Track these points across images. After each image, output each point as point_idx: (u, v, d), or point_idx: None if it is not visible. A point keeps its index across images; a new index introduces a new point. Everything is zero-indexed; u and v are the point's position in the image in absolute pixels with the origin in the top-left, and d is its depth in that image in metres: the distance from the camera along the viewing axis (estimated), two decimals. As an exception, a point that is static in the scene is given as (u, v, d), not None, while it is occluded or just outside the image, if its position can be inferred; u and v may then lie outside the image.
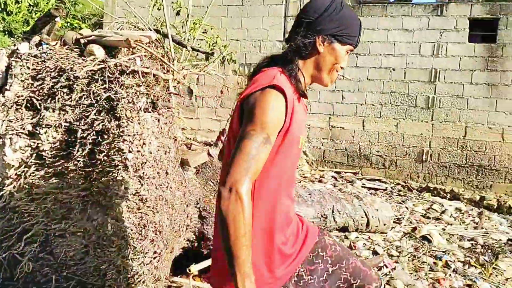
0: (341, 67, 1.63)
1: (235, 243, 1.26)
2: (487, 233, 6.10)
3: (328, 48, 1.56)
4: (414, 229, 5.55)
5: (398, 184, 8.05)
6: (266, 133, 1.36)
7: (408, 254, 4.77)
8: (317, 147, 8.81)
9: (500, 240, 5.94)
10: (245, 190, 1.29)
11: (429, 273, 4.37)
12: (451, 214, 6.61)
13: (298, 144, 1.52)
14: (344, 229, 4.64)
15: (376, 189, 7.56)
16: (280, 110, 1.41)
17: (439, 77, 7.99)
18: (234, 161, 1.33)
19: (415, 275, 4.32)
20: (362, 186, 7.56)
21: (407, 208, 6.59)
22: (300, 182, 7.24)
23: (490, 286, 4.43)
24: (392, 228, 5.48)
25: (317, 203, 4.48)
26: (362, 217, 4.65)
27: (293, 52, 1.56)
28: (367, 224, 4.69)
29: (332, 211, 4.48)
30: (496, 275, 4.79)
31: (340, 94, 8.61)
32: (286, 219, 1.55)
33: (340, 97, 8.62)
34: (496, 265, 5.02)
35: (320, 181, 7.53)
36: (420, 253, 4.82)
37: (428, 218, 6.31)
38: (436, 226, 5.90)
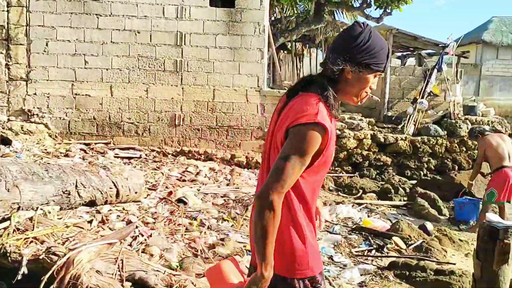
0: (370, 88, 1.87)
1: (267, 242, 1.66)
2: (238, 188, 6.65)
3: (356, 76, 1.79)
4: (170, 193, 5.59)
5: (153, 150, 8.03)
6: (304, 159, 1.69)
7: (164, 219, 4.75)
8: (60, 118, 8.00)
9: (249, 193, 6.56)
10: (279, 204, 1.67)
11: (185, 234, 4.44)
12: (206, 175, 6.97)
13: (330, 161, 1.85)
14: (92, 203, 4.28)
15: (130, 158, 7.36)
16: (319, 140, 1.71)
17: (185, 40, 8.18)
18: (273, 177, 1.67)
19: (172, 239, 4.33)
20: (115, 156, 7.25)
21: (162, 173, 6.62)
22: (42, 158, 6.43)
23: (241, 236, 4.81)
24: (148, 195, 5.39)
25: (57, 178, 3.98)
26: (110, 188, 4.38)
27: (326, 78, 1.80)
28: (117, 195, 4.44)
29: (76, 186, 4.06)
30: (247, 226, 5.24)
31: (82, 58, 7.95)
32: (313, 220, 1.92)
33: (82, 61, 7.96)
34: (246, 216, 5.50)
35: (66, 155, 6.86)
36: (176, 216, 4.87)
37: (184, 181, 6.48)
38: (191, 187, 6.10)
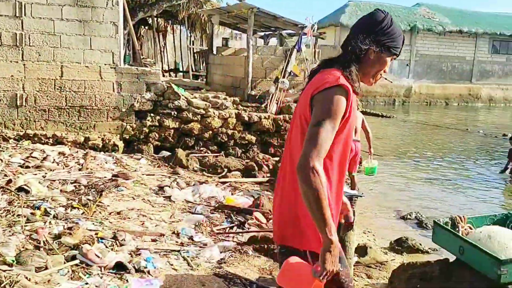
0: (384, 71, 2.08)
1: (322, 206, 1.74)
2: (91, 173, 6.27)
3: (377, 57, 1.99)
4: (9, 182, 5.05)
5: (-10, 135, 7.18)
6: (333, 122, 1.81)
7: (0, 210, 4.27)
8: None
9: (105, 177, 6.23)
10: (321, 168, 1.77)
11: (25, 225, 4.05)
12: (54, 160, 6.44)
13: (352, 132, 2.01)
14: None
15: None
16: (344, 103, 1.85)
17: (25, 11, 7.39)
18: (310, 145, 1.78)
19: (10, 231, 3.92)
20: None
21: (1, 160, 5.95)
22: None
23: (93, 223, 4.55)
24: (-20, 186, 4.80)
25: None
26: None
27: (350, 57, 1.96)
28: None
29: None
30: (100, 212, 4.97)
31: None
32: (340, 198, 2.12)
33: None
34: (100, 202, 5.21)
35: None
36: (15, 206, 4.41)
37: (28, 167, 5.91)
38: (35, 174, 5.58)
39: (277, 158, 8.95)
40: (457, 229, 3.71)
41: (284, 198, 2.06)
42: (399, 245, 5.53)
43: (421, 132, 17.70)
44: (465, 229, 3.73)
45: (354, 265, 4.54)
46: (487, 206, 7.63)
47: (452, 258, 3.69)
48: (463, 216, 3.85)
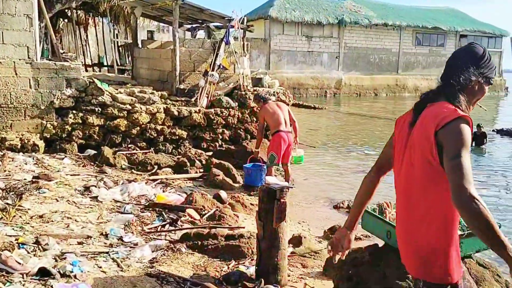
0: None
1: (495, 230, 1.73)
2: (10, 175, 5.94)
3: (480, 87, 2.09)
4: None
5: None
6: (468, 151, 1.87)
7: None
8: None
9: (25, 179, 5.92)
10: (477, 194, 1.76)
11: None
12: (-36, 163, 6.02)
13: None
14: None
15: None
16: (470, 133, 1.91)
17: None
18: (459, 177, 1.79)
19: None
20: None
21: None
22: None
23: (13, 229, 4.31)
24: None
25: None
26: None
27: (457, 88, 2.05)
28: None
29: None
30: (20, 216, 4.72)
31: None
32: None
33: None
34: (20, 205, 4.95)
35: None
36: None
37: None
38: None
39: (210, 153, 8.94)
40: (384, 214, 3.88)
41: (411, 224, 2.10)
42: (333, 233, 5.69)
43: (352, 123, 18.38)
44: (392, 214, 3.90)
45: (289, 256, 4.64)
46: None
47: (381, 243, 3.86)
48: (390, 202, 4.03)
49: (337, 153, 11.46)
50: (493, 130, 16.53)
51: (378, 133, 15.65)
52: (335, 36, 31.31)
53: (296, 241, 5.03)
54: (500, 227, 1.89)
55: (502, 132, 15.89)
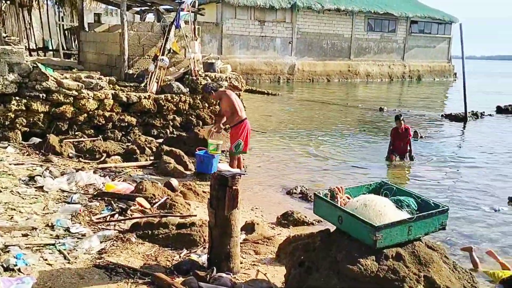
0: None
1: None
2: None
3: None
4: None
5: None
6: None
7: None
8: None
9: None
10: None
11: None
12: None
13: None
14: None
15: None
16: None
17: None
18: None
19: None
20: None
21: None
22: None
23: None
24: None
25: None
26: None
27: None
28: None
29: None
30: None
31: None
32: None
33: None
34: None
35: None
36: None
37: None
38: None
39: (160, 140, 8.81)
40: (336, 200, 3.96)
41: None
42: (285, 219, 5.79)
43: (305, 108, 18.59)
44: (343, 199, 3.98)
45: (241, 243, 4.67)
46: (371, 176, 8.26)
47: (333, 228, 3.95)
48: (341, 187, 4.10)
49: (290, 139, 11.57)
50: (441, 115, 17.17)
51: (331, 118, 15.92)
52: (288, 21, 31.41)
53: (249, 227, 5.07)
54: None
55: (450, 117, 16.52)
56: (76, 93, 8.38)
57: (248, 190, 7.15)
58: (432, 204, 3.76)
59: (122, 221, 4.82)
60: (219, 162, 7.24)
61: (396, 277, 3.26)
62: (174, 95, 9.42)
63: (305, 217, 5.85)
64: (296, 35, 31.83)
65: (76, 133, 8.41)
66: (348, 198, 4.07)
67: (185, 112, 9.54)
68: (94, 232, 4.45)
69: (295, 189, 7.18)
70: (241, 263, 4.22)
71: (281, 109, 18.20)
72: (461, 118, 16.03)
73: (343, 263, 3.43)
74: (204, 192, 6.25)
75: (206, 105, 9.80)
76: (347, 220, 3.58)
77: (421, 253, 3.51)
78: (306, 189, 7.15)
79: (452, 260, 3.71)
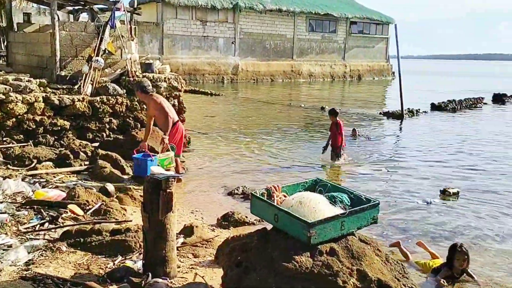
0: None
1: None
2: None
3: None
4: None
5: None
6: None
7: None
8: None
9: None
10: None
11: None
12: None
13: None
14: None
15: None
16: None
17: None
18: None
19: None
20: None
21: None
22: None
23: None
24: None
25: None
26: None
27: None
28: None
29: None
30: None
31: None
32: None
33: None
34: None
35: None
36: None
37: None
38: None
39: (96, 144, 8.56)
40: (272, 198, 3.99)
41: None
42: (226, 221, 5.77)
43: (249, 109, 18.68)
44: (280, 198, 4.02)
45: (179, 247, 4.62)
46: (312, 174, 8.38)
47: (270, 227, 3.98)
48: (278, 186, 4.14)
49: (234, 139, 11.58)
50: (380, 113, 17.77)
51: (274, 118, 16.07)
52: (231, 21, 31.47)
53: (188, 231, 5.01)
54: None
55: (388, 114, 17.12)
56: (3, 97, 8.00)
57: (189, 192, 7.08)
58: (364, 199, 3.86)
59: (53, 230, 4.63)
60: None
61: (330, 272, 3.32)
62: (110, 97, 9.17)
63: (246, 217, 5.86)
64: (239, 35, 31.94)
65: (4, 139, 8.02)
66: (285, 196, 4.10)
67: (122, 114, 9.31)
68: (21, 243, 4.24)
69: (237, 189, 7.18)
70: (179, 267, 4.17)
71: (225, 110, 18.19)
72: (398, 116, 16.66)
73: (278, 261, 3.45)
74: (141, 196, 6.11)
75: (144, 106, 9.60)
76: (283, 218, 3.61)
77: (354, 247, 3.60)
78: (247, 189, 7.17)
79: (384, 253, 3.83)
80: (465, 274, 4.46)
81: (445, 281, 4.33)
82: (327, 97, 24.81)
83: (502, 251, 5.26)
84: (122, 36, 10.01)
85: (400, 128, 14.99)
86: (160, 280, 3.71)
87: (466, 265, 4.38)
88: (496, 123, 17.02)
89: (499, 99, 24.01)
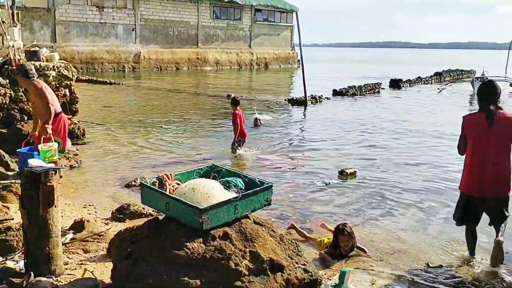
0: None
1: None
2: None
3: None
4: None
5: None
6: None
7: None
8: None
9: None
10: None
11: None
12: None
13: None
14: None
15: None
16: None
17: None
18: None
19: None
20: None
21: None
22: None
23: None
24: None
25: None
26: None
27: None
28: None
29: None
30: None
31: None
32: None
33: None
34: None
35: None
36: None
37: None
38: None
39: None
40: (164, 187, 3.95)
41: (497, 171, 4.22)
42: (121, 213, 5.62)
43: (151, 98, 18.31)
44: (172, 186, 3.99)
45: (68, 243, 4.43)
46: (214, 162, 8.36)
47: (162, 216, 3.94)
48: (170, 174, 4.11)
49: (133, 130, 11.29)
50: (285, 100, 18.25)
51: (178, 107, 15.89)
52: (130, 7, 30.51)
53: (78, 226, 4.83)
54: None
55: (292, 101, 17.62)
56: None
57: (82, 186, 6.81)
58: (258, 182, 3.95)
59: None
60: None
61: (223, 255, 3.37)
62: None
63: (143, 209, 5.74)
64: (140, 22, 31.08)
65: None
66: (178, 185, 4.08)
67: (5, 106, 8.67)
68: None
69: (135, 181, 7.01)
70: (66, 264, 4.01)
71: (125, 100, 17.66)
72: (302, 102, 17.22)
73: (170, 249, 3.43)
74: (26, 192, 5.77)
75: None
76: (174, 206, 3.60)
77: (247, 229, 3.68)
78: (146, 180, 7.00)
79: (279, 233, 3.96)
80: (356, 249, 4.73)
81: (329, 256, 4.56)
82: (234, 85, 24.99)
83: (394, 225, 5.65)
84: (3, 22, 9.30)
85: (304, 115, 15.50)
86: (44, 279, 3.54)
87: (352, 244, 4.64)
88: (393, 107, 18.18)
89: (395, 84, 25.69)
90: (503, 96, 20.06)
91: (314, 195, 6.72)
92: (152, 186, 3.92)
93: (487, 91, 4.30)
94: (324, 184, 7.21)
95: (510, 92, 22.18)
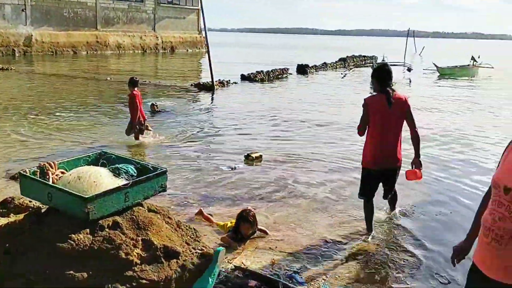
0: None
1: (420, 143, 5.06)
2: None
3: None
4: None
5: None
6: None
7: None
8: None
9: None
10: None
11: None
12: None
13: None
14: None
15: None
16: None
17: None
18: (414, 122, 4.79)
19: None
20: None
21: None
22: None
23: None
24: None
25: None
26: None
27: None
28: None
29: None
30: None
31: None
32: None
33: None
34: None
35: None
36: None
37: None
38: None
39: None
40: (47, 176, 3.73)
41: (394, 146, 4.74)
42: (5, 207, 5.27)
43: (44, 84, 17.34)
44: (56, 175, 3.78)
45: None
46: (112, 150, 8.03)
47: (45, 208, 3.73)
48: (53, 162, 3.90)
49: (21, 119, 10.58)
50: (191, 85, 18.06)
51: (74, 93, 15.15)
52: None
53: (-49, 224, 4.41)
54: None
55: (199, 86, 17.47)
56: None
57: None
58: (151, 168, 3.84)
59: None
60: None
61: (112, 245, 3.24)
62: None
63: (30, 201, 5.39)
64: (30, 2, 29.14)
65: None
66: (63, 173, 3.88)
67: None
68: None
69: (24, 170, 6.55)
70: None
71: (14, 86, 16.53)
72: (209, 87, 17.13)
73: (53, 242, 3.25)
74: None
75: None
76: (57, 196, 3.41)
77: (140, 217, 3.57)
78: (25, 170, 6.59)
79: (175, 220, 3.89)
80: (258, 231, 4.80)
81: (231, 240, 4.60)
82: (139, 70, 24.29)
83: (297, 206, 5.79)
84: None
85: (212, 99, 15.44)
86: None
87: (253, 229, 4.72)
88: (299, 91, 18.67)
89: (302, 70, 26.39)
90: (402, 80, 21.44)
91: (219, 180, 6.70)
92: (33, 176, 3.68)
93: (386, 75, 4.73)
94: (230, 169, 7.22)
95: (408, 78, 23.71)
